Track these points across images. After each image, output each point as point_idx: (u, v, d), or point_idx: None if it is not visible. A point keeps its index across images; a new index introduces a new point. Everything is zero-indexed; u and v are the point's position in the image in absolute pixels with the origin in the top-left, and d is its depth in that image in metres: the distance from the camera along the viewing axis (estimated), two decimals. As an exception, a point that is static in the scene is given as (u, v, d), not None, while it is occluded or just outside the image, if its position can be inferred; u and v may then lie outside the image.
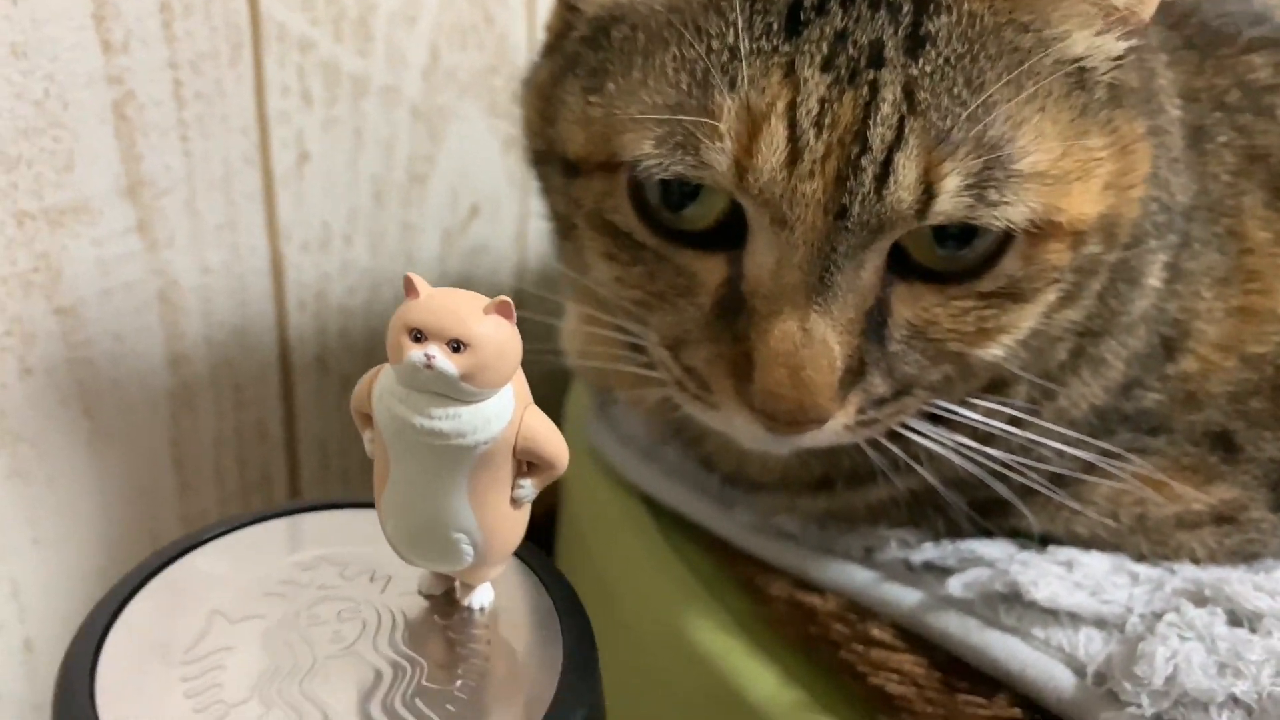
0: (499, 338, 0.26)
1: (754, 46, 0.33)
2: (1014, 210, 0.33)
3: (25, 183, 0.43)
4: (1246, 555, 0.46)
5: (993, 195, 0.33)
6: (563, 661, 0.30)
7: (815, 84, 0.32)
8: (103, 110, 0.44)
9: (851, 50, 0.32)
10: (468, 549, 0.29)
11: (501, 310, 0.27)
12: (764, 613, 0.46)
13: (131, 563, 0.30)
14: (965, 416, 0.40)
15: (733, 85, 0.32)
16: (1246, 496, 0.46)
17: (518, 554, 0.31)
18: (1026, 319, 0.37)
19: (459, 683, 0.29)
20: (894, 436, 0.40)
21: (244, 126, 0.50)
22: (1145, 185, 0.40)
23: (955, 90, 0.32)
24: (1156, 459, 0.45)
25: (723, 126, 0.32)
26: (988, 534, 0.45)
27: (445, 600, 0.32)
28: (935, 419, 0.40)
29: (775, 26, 0.33)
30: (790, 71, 0.32)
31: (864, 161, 0.32)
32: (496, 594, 0.31)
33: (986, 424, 0.40)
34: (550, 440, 0.28)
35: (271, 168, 0.52)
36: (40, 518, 0.47)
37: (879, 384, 0.36)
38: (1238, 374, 0.45)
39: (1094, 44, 0.36)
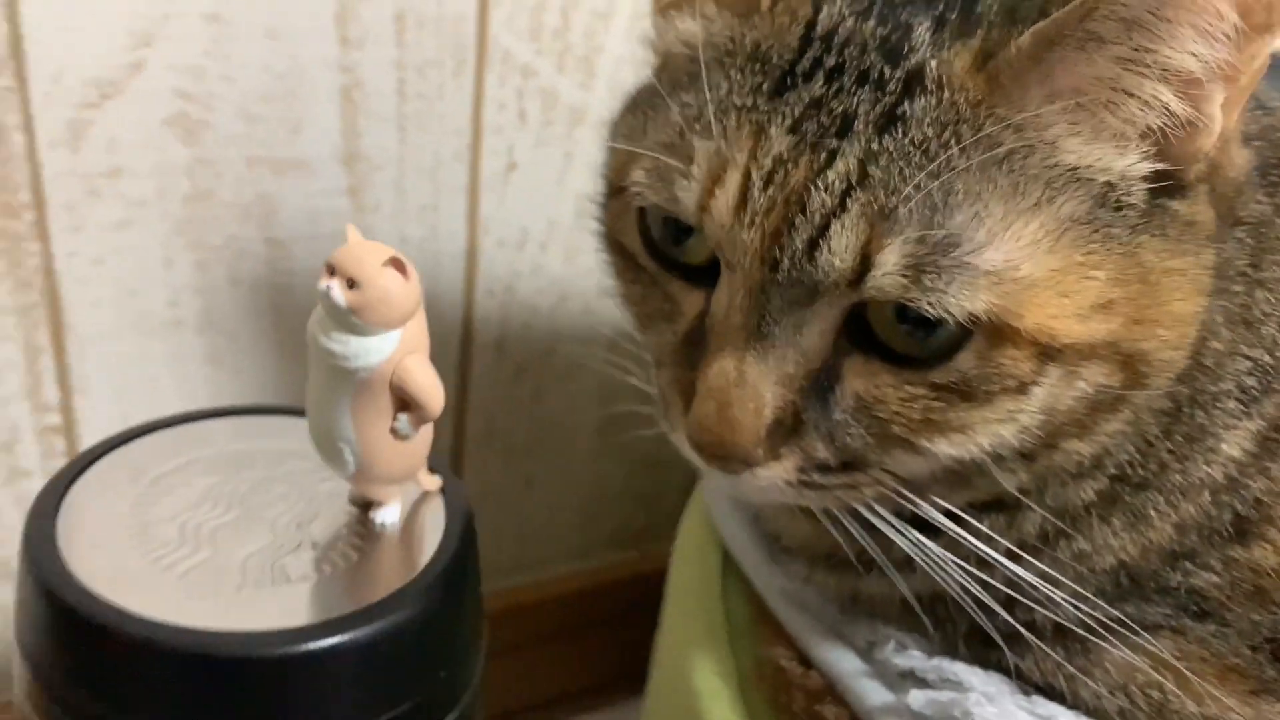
0: (386, 285, 0.32)
1: (741, 103, 0.35)
2: (955, 301, 0.32)
3: (259, 135, 0.54)
4: None
5: (932, 281, 0.32)
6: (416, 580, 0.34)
7: (777, 142, 0.33)
8: (332, 91, 0.55)
9: (824, 118, 0.33)
10: (349, 459, 0.34)
11: (395, 264, 0.32)
12: (755, 668, 0.46)
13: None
14: (950, 529, 0.38)
15: (710, 134, 0.35)
16: (1303, 723, 0.38)
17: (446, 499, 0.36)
18: (977, 422, 0.34)
19: (326, 568, 0.34)
20: (872, 529, 0.39)
21: (458, 129, 0.59)
22: (1206, 333, 0.36)
23: (913, 172, 0.32)
24: (1196, 648, 0.39)
25: (694, 169, 0.35)
26: (992, 665, 0.42)
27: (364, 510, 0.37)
28: (926, 527, 0.39)
29: (764, 88, 0.35)
30: (761, 129, 0.34)
31: (799, 221, 0.33)
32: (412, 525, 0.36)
33: (972, 544, 0.38)
34: (422, 382, 0.33)
35: (480, 169, 0.61)
36: (223, 399, 0.58)
37: (819, 448, 0.36)
38: None
39: (1100, 159, 0.33)
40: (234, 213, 0.55)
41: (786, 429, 0.35)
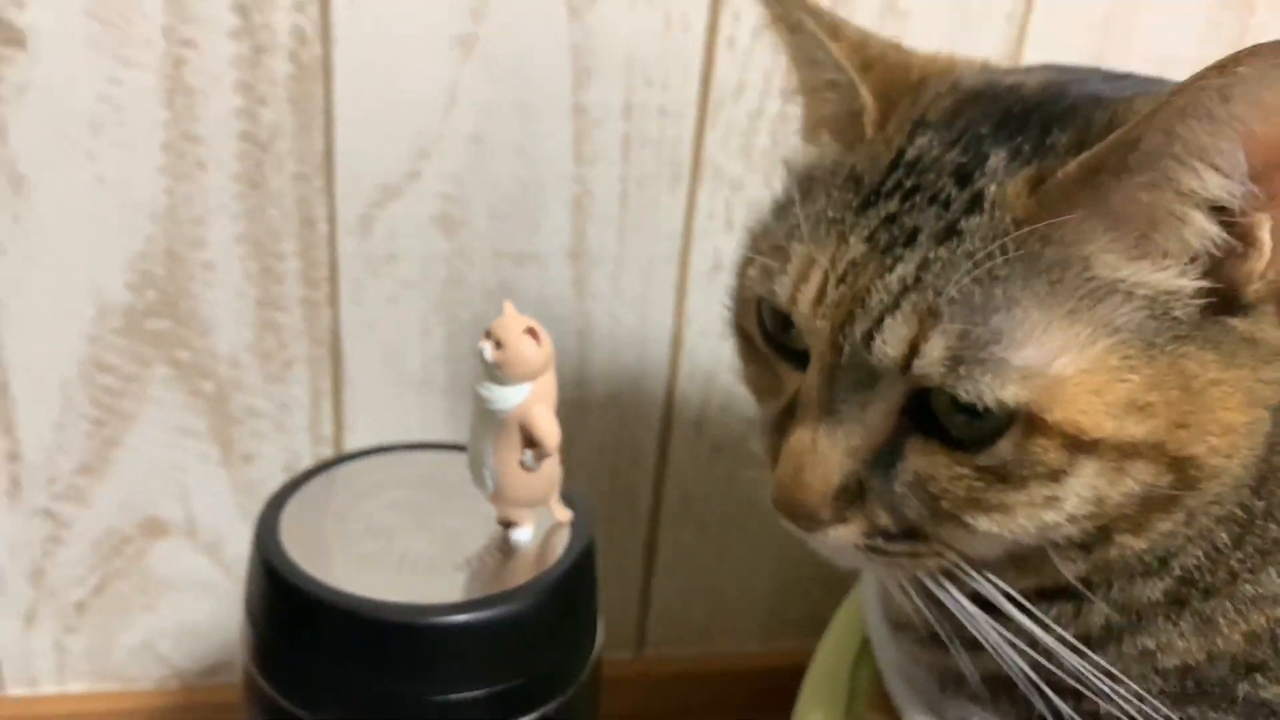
0: (521, 347, 0.41)
1: (832, 216, 0.41)
2: (989, 391, 0.36)
3: (505, 233, 0.66)
4: None
5: (968, 370, 0.36)
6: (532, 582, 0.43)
7: (853, 249, 0.40)
8: (566, 199, 0.66)
9: (895, 230, 0.39)
10: (489, 483, 0.44)
11: (530, 333, 0.41)
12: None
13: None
14: (1010, 612, 0.41)
15: (803, 239, 0.41)
16: None
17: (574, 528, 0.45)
18: (1015, 504, 0.38)
19: (470, 567, 0.44)
20: (943, 607, 0.43)
21: (670, 234, 0.68)
22: (1249, 438, 0.38)
23: (960, 278, 0.37)
24: None
25: (789, 267, 0.42)
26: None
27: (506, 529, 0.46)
28: (997, 610, 0.42)
29: (853, 204, 0.41)
30: (843, 238, 0.40)
31: (858, 314, 0.39)
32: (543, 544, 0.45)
33: (1036, 631, 0.41)
34: (542, 425, 0.42)
35: (689, 267, 0.70)
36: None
37: (882, 516, 0.41)
38: None
39: (1140, 275, 0.36)
40: (480, 295, 0.67)
41: (851, 495, 0.40)
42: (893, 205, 0.40)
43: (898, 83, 0.44)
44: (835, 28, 0.44)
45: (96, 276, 0.62)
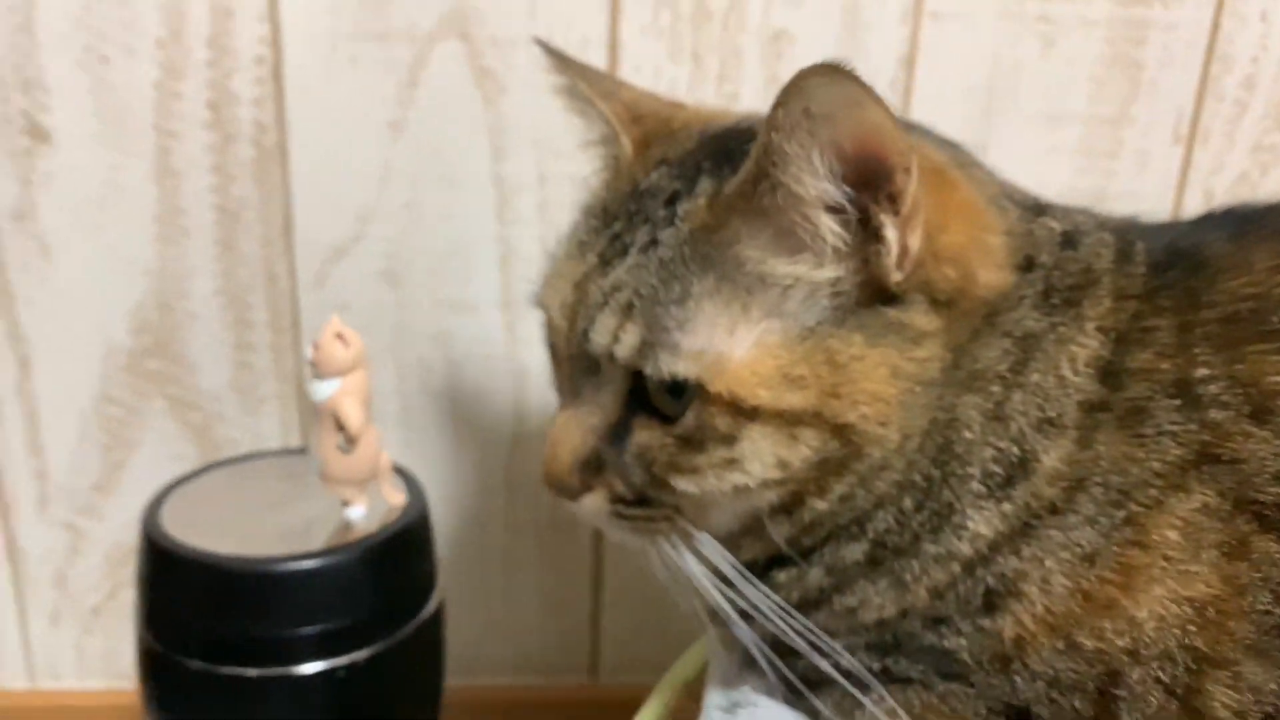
0: (331, 348, 0.51)
1: (582, 238, 0.49)
2: (666, 368, 0.44)
3: (442, 286, 0.76)
4: None
5: (653, 352, 0.44)
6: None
7: (588, 262, 0.48)
8: (493, 256, 0.76)
9: (617, 245, 0.47)
10: (316, 465, 0.53)
11: (339, 337, 0.51)
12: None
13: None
14: (747, 577, 0.48)
15: (561, 259, 0.50)
16: (1026, 787, 0.42)
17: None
18: (702, 466, 0.44)
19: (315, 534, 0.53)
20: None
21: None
22: (918, 418, 0.44)
23: (650, 279, 0.45)
24: (940, 704, 0.44)
25: (549, 281, 0.50)
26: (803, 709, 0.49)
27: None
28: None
29: (596, 227, 0.49)
30: (584, 255, 0.48)
31: (582, 314, 0.47)
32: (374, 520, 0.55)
33: (766, 593, 0.47)
34: (345, 411, 0.51)
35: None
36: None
37: (618, 483, 0.48)
38: (1059, 660, 0.42)
39: (795, 270, 0.43)
40: (424, 339, 0.78)
41: (594, 467, 0.48)
42: (619, 226, 0.48)
43: (658, 132, 0.52)
44: (609, 91, 0.53)
45: (104, 324, 0.76)
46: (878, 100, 0.39)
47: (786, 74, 0.70)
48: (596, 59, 0.72)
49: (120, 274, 0.75)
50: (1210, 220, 0.51)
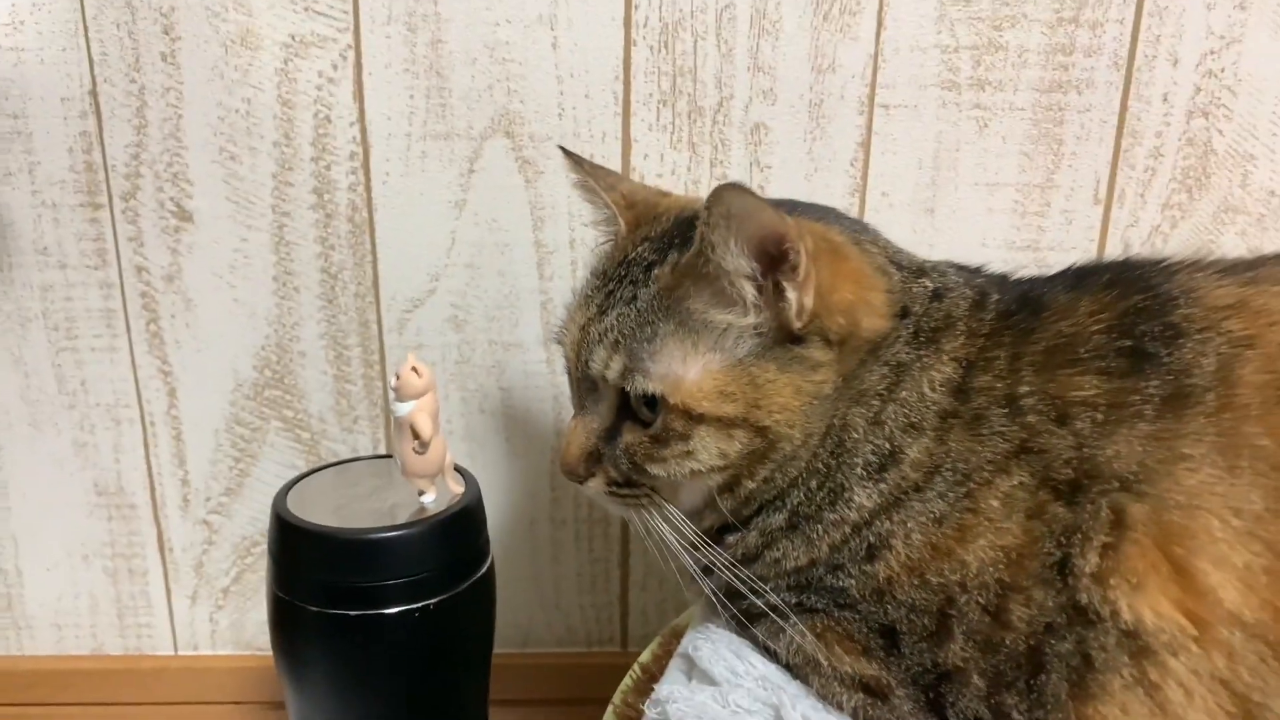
0: (408, 378, 0.70)
1: (587, 293, 0.67)
2: (640, 387, 0.62)
3: (496, 329, 0.96)
4: None
5: (631, 376, 0.62)
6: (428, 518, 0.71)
7: (590, 311, 0.66)
8: (536, 305, 0.96)
9: (610, 300, 0.66)
10: (399, 464, 0.73)
11: (414, 370, 0.71)
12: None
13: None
14: (711, 544, 0.66)
15: (574, 308, 0.69)
16: (891, 680, 0.59)
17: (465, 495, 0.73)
18: (667, 457, 0.62)
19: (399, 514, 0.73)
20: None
21: (612, 326, 0.97)
22: (817, 422, 0.62)
23: (630, 324, 0.63)
24: (836, 626, 0.62)
25: (566, 324, 0.69)
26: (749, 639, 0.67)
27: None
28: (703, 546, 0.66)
29: (598, 285, 0.67)
30: (588, 305, 0.67)
31: (584, 348, 0.66)
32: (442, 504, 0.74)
33: (715, 548, 0.65)
34: (419, 424, 0.71)
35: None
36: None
37: (612, 471, 0.66)
38: (915, 592, 0.60)
39: (727, 318, 0.61)
40: (482, 371, 0.98)
41: (594, 459, 0.66)
42: (612, 285, 0.66)
43: (647, 215, 0.71)
44: (612, 185, 0.73)
45: (234, 362, 0.97)
46: (769, 206, 0.57)
47: (765, 158, 0.89)
48: (613, 149, 0.92)
49: (246, 323, 0.96)
50: (1063, 275, 0.68)
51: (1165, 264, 0.65)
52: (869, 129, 0.92)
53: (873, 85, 0.91)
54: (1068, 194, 0.94)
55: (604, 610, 1.05)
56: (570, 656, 1.05)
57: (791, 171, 0.93)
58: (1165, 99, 0.92)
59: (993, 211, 0.95)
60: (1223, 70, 0.91)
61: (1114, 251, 0.97)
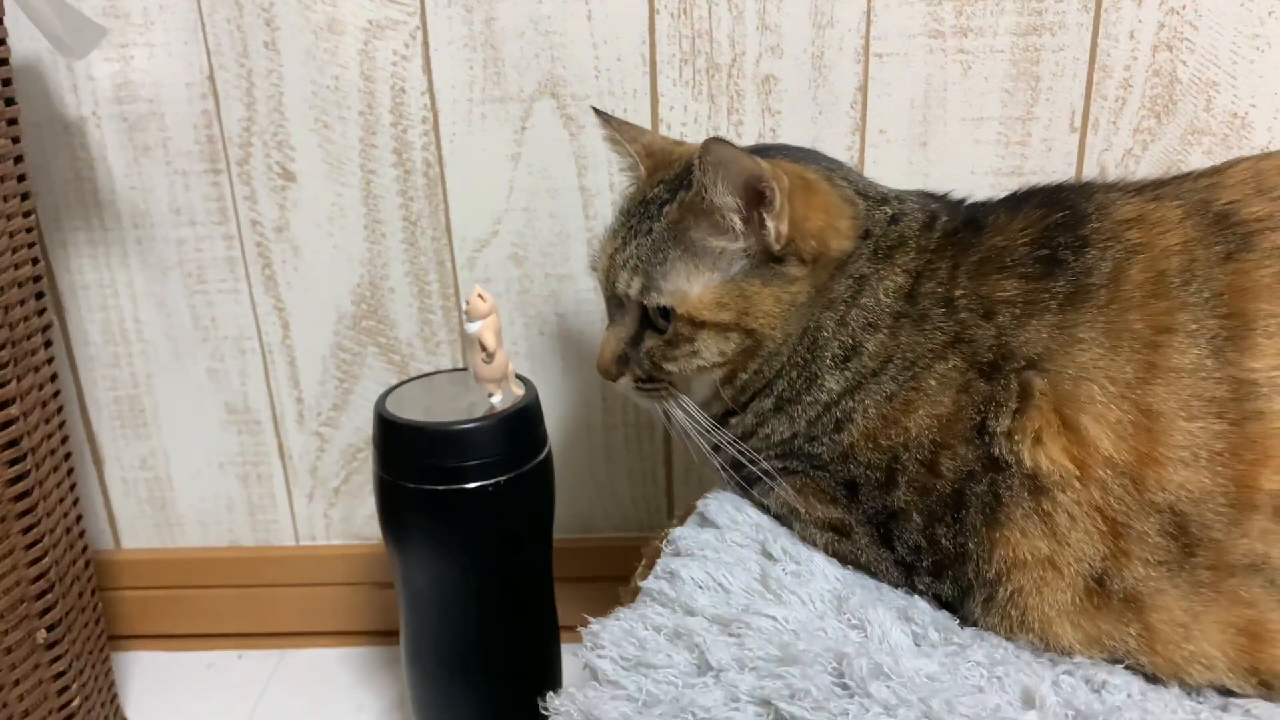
0: (475, 302, 0.88)
1: (614, 227, 0.84)
2: (655, 301, 0.78)
3: (550, 263, 1.13)
4: (850, 560, 0.76)
5: (647, 292, 0.79)
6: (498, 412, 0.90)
7: (617, 240, 0.83)
8: (581, 240, 1.12)
9: (630, 232, 0.82)
10: (471, 371, 0.91)
11: (479, 296, 0.88)
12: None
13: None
14: (717, 426, 0.82)
15: (605, 238, 0.85)
16: (853, 520, 0.76)
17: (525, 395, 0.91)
18: (676, 355, 0.79)
19: (475, 409, 0.91)
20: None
21: (649, 256, 1.13)
22: (795, 325, 0.77)
23: (648, 250, 0.79)
24: (811, 483, 0.78)
25: (598, 250, 0.85)
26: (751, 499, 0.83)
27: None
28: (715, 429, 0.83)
29: (623, 220, 0.84)
30: (615, 236, 0.84)
31: (611, 271, 0.82)
32: (508, 402, 0.92)
33: (724, 432, 0.82)
34: (485, 337, 0.89)
35: (665, 277, 1.14)
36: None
37: (637, 369, 0.83)
38: (871, 453, 0.75)
39: (721, 244, 0.77)
40: (539, 300, 1.15)
41: (623, 361, 0.83)
42: (633, 221, 0.82)
43: (664, 161, 0.86)
44: (635, 137, 0.88)
45: (335, 298, 1.16)
46: (745, 154, 0.72)
47: (775, 106, 1.04)
48: (643, 103, 1.07)
49: (344, 265, 1.15)
50: (1007, 198, 0.82)
51: (1087, 186, 0.78)
52: (865, 75, 1.06)
53: (867, 37, 1.05)
54: (1046, 124, 1.07)
55: (652, 500, 1.23)
56: (624, 540, 1.23)
57: (799, 116, 1.07)
58: (1132, 35, 1.03)
59: (979, 143, 1.08)
60: (1184, 7, 1.02)
61: (1091, 174, 1.09)
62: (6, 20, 0.92)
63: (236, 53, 1.07)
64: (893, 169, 1.08)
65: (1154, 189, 0.75)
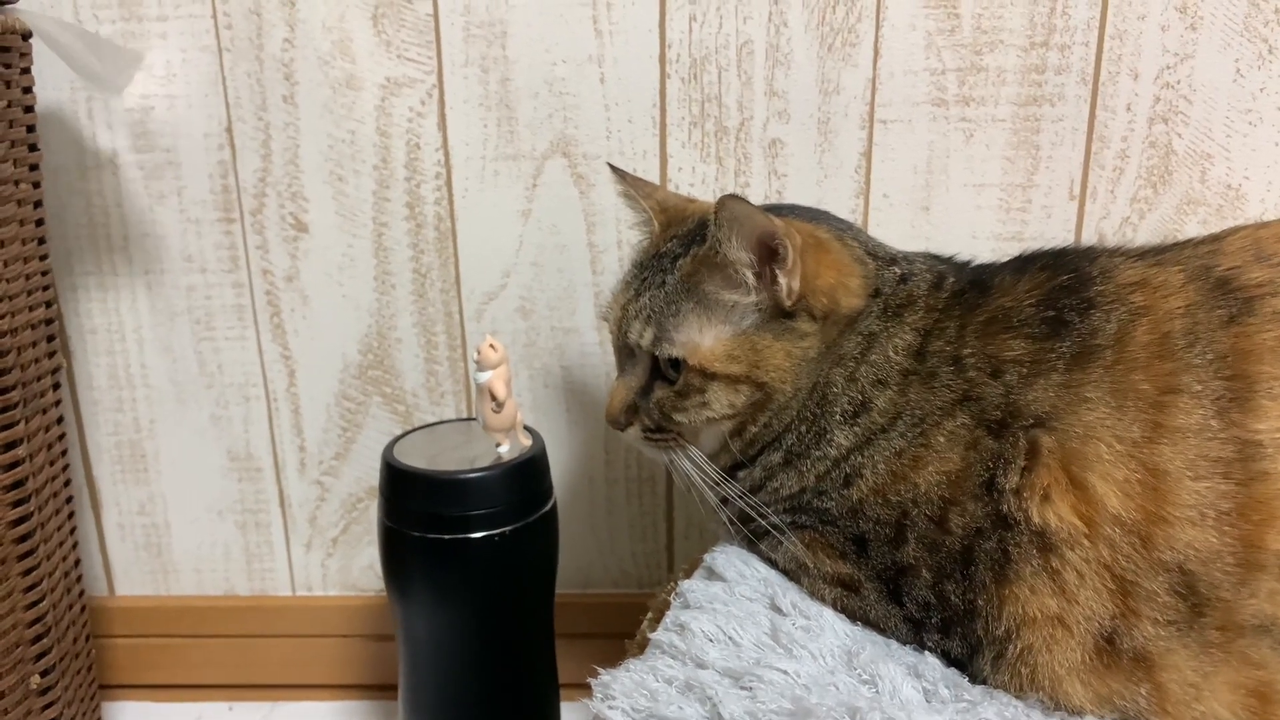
0: (486, 352, 0.89)
1: (627, 279, 0.86)
2: (666, 352, 0.79)
3: (557, 316, 1.15)
4: (859, 616, 0.77)
5: (660, 344, 0.80)
6: (503, 463, 0.90)
7: (630, 292, 0.84)
8: (589, 296, 1.14)
9: (644, 284, 0.83)
10: (480, 421, 0.92)
11: (490, 346, 0.90)
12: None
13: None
14: (723, 478, 0.83)
15: (618, 291, 0.87)
16: (862, 576, 0.76)
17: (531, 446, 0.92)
18: (687, 406, 0.80)
19: (481, 460, 0.92)
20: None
21: (655, 312, 1.15)
22: (805, 379, 0.79)
23: (660, 302, 0.81)
24: (820, 538, 0.79)
25: (611, 303, 0.87)
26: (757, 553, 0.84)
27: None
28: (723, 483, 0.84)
29: (636, 273, 0.85)
30: (628, 288, 0.85)
31: (623, 322, 0.83)
32: (515, 453, 0.93)
33: (732, 484, 0.83)
34: (495, 388, 0.89)
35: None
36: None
37: (646, 420, 0.84)
38: (880, 509, 0.76)
39: (734, 297, 0.79)
40: (545, 353, 1.16)
41: (632, 411, 0.83)
42: (647, 273, 0.84)
43: (676, 217, 0.88)
44: (649, 193, 0.90)
45: (342, 347, 1.17)
46: (760, 212, 0.74)
47: (782, 169, 1.06)
48: (652, 164, 1.09)
49: (352, 315, 1.16)
50: (1013, 260, 0.84)
51: (1090, 251, 0.80)
52: (870, 141, 1.08)
53: (872, 104, 1.07)
54: (1046, 192, 1.09)
55: (652, 557, 1.23)
56: (624, 596, 1.23)
57: (804, 179, 1.09)
58: (1129, 108, 1.06)
59: (980, 209, 1.10)
60: (1179, 82, 1.05)
61: (1089, 240, 1.11)
62: (33, 69, 0.94)
63: (255, 105, 1.09)
64: (895, 232, 1.10)
65: (1155, 254, 0.77)
